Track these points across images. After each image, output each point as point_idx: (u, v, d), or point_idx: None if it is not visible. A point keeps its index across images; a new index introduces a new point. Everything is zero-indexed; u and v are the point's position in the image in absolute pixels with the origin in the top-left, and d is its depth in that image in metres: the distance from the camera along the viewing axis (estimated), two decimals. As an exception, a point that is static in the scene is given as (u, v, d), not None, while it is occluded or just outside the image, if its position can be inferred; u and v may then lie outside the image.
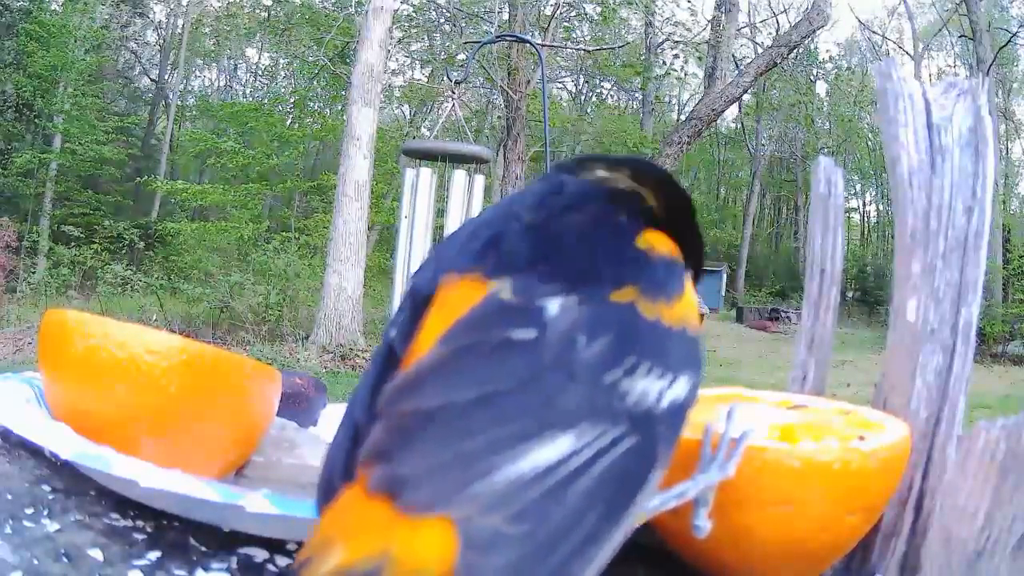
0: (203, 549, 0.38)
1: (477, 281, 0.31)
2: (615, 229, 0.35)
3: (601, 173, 0.38)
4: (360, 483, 0.27)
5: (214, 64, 21.67)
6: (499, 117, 13.10)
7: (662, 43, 13.39)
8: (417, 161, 2.37)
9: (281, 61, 16.22)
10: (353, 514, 0.27)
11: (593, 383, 0.28)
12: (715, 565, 0.42)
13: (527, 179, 11.09)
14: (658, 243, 0.35)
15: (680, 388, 0.31)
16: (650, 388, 0.29)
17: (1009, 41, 15.81)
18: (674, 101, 22.95)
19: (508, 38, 8.26)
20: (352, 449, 0.30)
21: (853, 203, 24.09)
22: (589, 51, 11.03)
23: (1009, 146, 20.83)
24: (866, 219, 25.20)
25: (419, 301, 0.33)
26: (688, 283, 0.35)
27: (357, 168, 7.12)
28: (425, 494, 0.25)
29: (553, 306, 0.29)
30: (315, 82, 13.34)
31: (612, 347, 0.29)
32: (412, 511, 0.25)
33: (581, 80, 16.63)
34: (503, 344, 0.28)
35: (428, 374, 0.28)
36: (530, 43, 3.11)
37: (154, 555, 0.36)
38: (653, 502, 0.33)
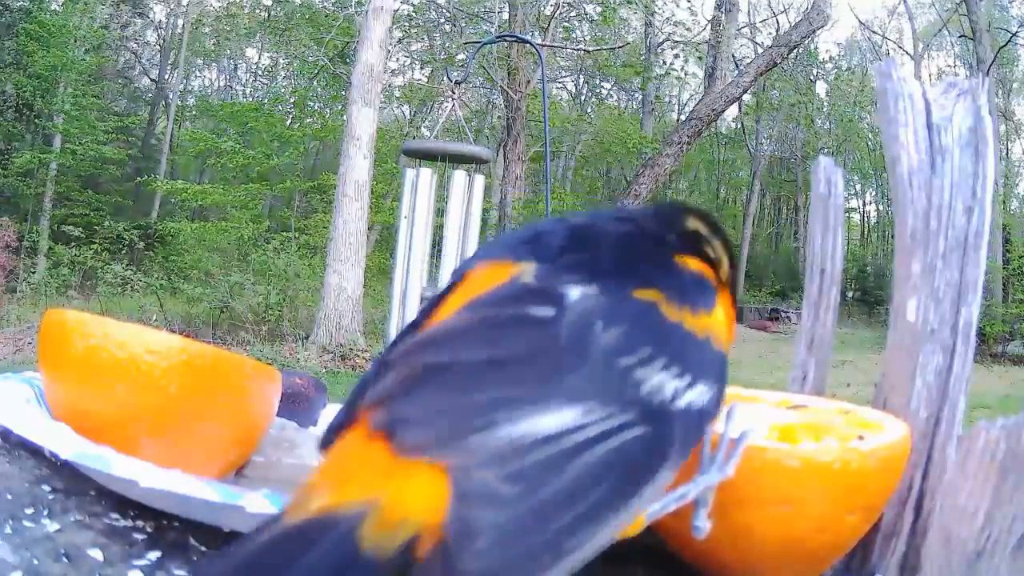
0: (203, 549, 0.38)
1: (505, 265, 0.32)
2: (656, 241, 0.36)
3: (692, 224, 0.38)
4: (361, 424, 0.27)
5: (214, 64, 21.68)
6: (499, 117, 13.11)
7: (662, 43, 13.38)
8: (417, 161, 2.37)
9: (281, 61, 16.22)
10: (348, 456, 0.27)
11: (606, 365, 0.28)
12: (715, 565, 0.42)
13: (527, 179, 11.10)
14: (694, 264, 0.35)
15: (700, 393, 0.30)
16: (666, 383, 0.29)
17: (1009, 41, 15.80)
18: (674, 101, 22.95)
19: (508, 38, 8.26)
20: (357, 400, 0.30)
21: (853, 203, 24.08)
22: (589, 51, 11.03)
23: (1009, 146, 20.83)
24: (866, 219, 25.19)
25: (448, 287, 0.34)
26: (721, 305, 0.35)
27: (357, 168, 7.12)
28: (421, 436, 0.25)
29: (574, 292, 0.29)
30: (315, 82, 13.34)
31: (629, 336, 0.29)
32: (406, 452, 0.25)
33: (581, 80, 16.63)
34: (521, 317, 0.29)
35: (442, 335, 0.29)
36: (530, 43, 3.11)
37: (154, 555, 0.36)
38: (654, 507, 0.33)
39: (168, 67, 19.61)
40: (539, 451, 0.25)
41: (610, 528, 0.26)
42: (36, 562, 0.33)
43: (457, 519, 0.23)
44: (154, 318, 8.27)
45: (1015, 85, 20.80)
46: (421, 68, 13.82)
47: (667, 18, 11.96)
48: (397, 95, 13.69)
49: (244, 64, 21.44)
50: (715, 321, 0.33)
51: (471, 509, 0.23)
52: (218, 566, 0.23)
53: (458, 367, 0.27)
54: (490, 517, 0.23)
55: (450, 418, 0.25)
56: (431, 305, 0.33)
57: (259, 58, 20.08)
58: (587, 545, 0.25)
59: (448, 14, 11.11)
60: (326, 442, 0.30)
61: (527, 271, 0.31)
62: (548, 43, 9.99)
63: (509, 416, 0.25)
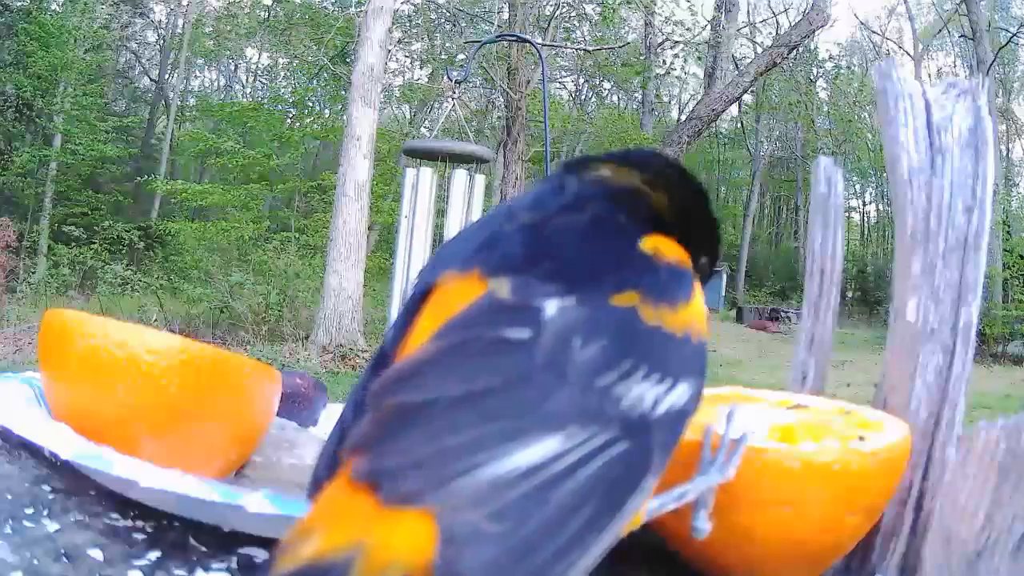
0: (203, 549, 0.38)
1: (474, 279, 0.31)
2: (617, 230, 0.34)
3: (605, 172, 0.37)
4: (344, 473, 0.27)
5: (214, 64, 21.67)
6: (499, 117, 13.10)
7: (662, 43, 13.38)
8: (417, 161, 2.37)
9: (281, 61, 16.22)
10: (334, 504, 0.27)
11: (585, 386, 0.27)
12: (715, 566, 0.42)
13: (527, 179, 11.09)
14: (665, 248, 0.34)
15: (679, 394, 0.30)
16: (646, 393, 0.29)
17: (1009, 41, 15.81)
18: (674, 101, 22.95)
19: (508, 38, 8.25)
20: (340, 445, 0.30)
21: (853, 203, 24.08)
22: (589, 51, 11.03)
23: (1009, 146, 20.83)
24: (866, 219, 25.20)
25: (415, 301, 0.33)
26: (697, 291, 0.34)
27: (357, 168, 7.12)
28: (406, 486, 0.25)
29: (551, 307, 0.29)
30: (315, 82, 13.33)
31: (608, 350, 0.29)
32: (392, 503, 0.25)
33: (581, 80, 16.64)
34: (495, 342, 0.28)
35: (416, 369, 0.28)
36: (530, 43, 3.11)
37: (154, 555, 0.36)
38: (652, 504, 0.33)
39: (168, 67, 19.61)
40: (522, 485, 0.25)
41: (596, 548, 0.26)
42: (36, 562, 0.33)
43: (444, 560, 0.23)
44: (154, 318, 8.27)
45: (1015, 85, 20.81)
46: (421, 68, 13.83)
47: (667, 18, 11.96)
48: (397, 95, 13.69)
49: (244, 64, 21.44)
50: (693, 312, 0.33)
51: (457, 549, 0.23)
52: None
53: (435, 407, 0.26)
54: (477, 555, 0.23)
55: (431, 466, 0.25)
56: (401, 326, 0.32)
57: (259, 58, 20.08)
58: (578, 567, 0.25)
59: (448, 14, 11.11)
60: (312, 491, 0.30)
61: (500, 287, 0.30)
62: (548, 43, 9.99)
63: (491, 455, 0.25)
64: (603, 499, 0.26)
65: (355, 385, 0.33)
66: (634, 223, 0.35)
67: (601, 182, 0.37)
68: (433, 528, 0.24)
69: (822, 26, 9.15)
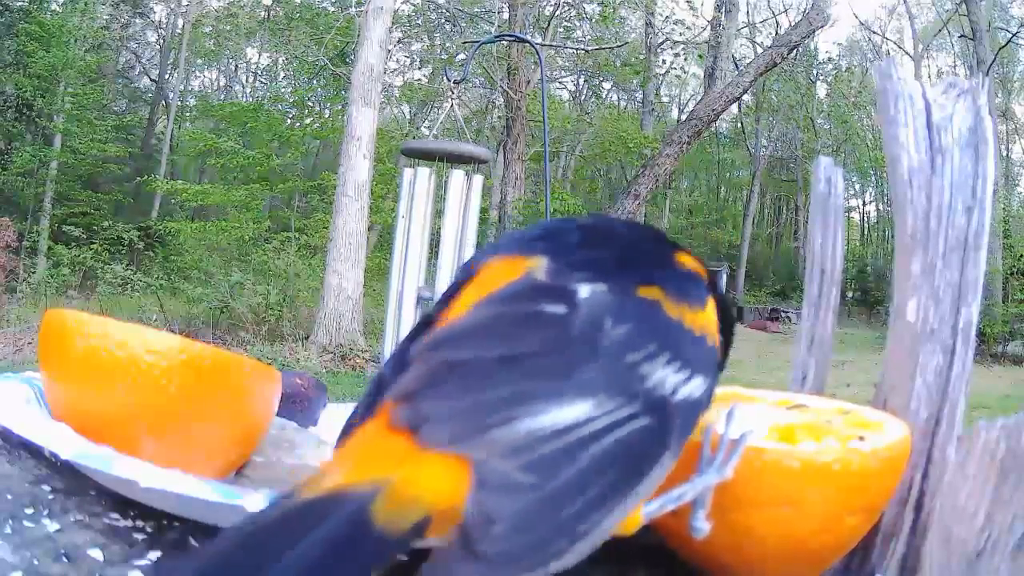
0: (203, 549, 0.38)
1: (516, 261, 0.33)
2: (657, 244, 0.38)
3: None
4: (382, 418, 0.28)
5: (214, 64, 21.66)
6: (499, 117, 13.10)
7: (662, 43, 13.38)
8: (415, 161, 2.37)
9: (281, 61, 16.22)
10: (366, 444, 0.28)
11: (615, 360, 0.29)
12: (715, 565, 0.42)
13: (527, 179, 11.09)
14: (690, 262, 0.37)
15: (695, 387, 0.32)
16: (667, 377, 0.31)
17: (1009, 41, 15.80)
18: (674, 101, 22.95)
19: (508, 38, 8.25)
20: (376, 395, 0.31)
21: (853, 203, 24.09)
22: (589, 51, 11.03)
23: (1009, 146, 20.83)
24: (866, 219, 25.20)
25: (461, 278, 0.35)
26: (710, 304, 0.36)
27: (357, 168, 7.12)
28: (445, 431, 0.26)
29: (584, 290, 0.31)
30: (315, 82, 13.33)
31: (635, 332, 0.30)
32: (430, 445, 0.26)
33: (581, 80, 16.63)
34: (535, 314, 0.30)
35: (462, 332, 0.30)
36: (530, 43, 3.11)
37: (154, 555, 0.36)
38: (652, 506, 0.33)
39: (168, 67, 19.60)
40: (554, 442, 0.26)
41: (618, 512, 0.27)
42: (36, 562, 0.33)
43: (477, 505, 0.24)
44: (154, 318, 8.27)
45: (1016, 85, 20.81)
46: (421, 68, 13.83)
47: (667, 18, 11.96)
48: (396, 95, 13.69)
49: (244, 64, 21.44)
50: (707, 317, 0.35)
51: (491, 497, 0.25)
52: (230, 537, 0.23)
53: (477, 363, 0.28)
54: (508, 504, 0.25)
55: (472, 414, 0.27)
56: (445, 299, 0.34)
57: (259, 58, 20.08)
58: (597, 529, 0.26)
59: (448, 14, 11.11)
60: (345, 432, 0.32)
61: (539, 268, 0.32)
62: (548, 43, 9.99)
63: (528, 410, 0.27)
64: (626, 466, 0.28)
65: (397, 347, 0.35)
66: (674, 248, 0.38)
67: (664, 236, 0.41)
68: (466, 473, 0.25)
69: (822, 26, 9.14)
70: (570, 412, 0.27)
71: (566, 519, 0.25)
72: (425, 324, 0.34)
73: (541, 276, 0.32)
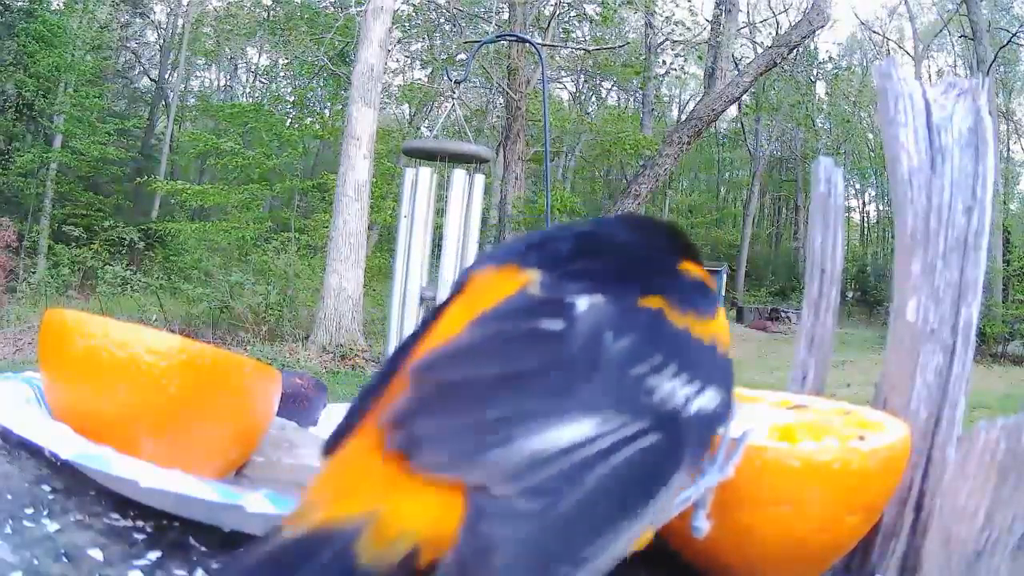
0: (203, 549, 0.38)
1: (510, 272, 0.32)
2: (658, 249, 0.36)
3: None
4: (370, 440, 0.27)
5: (214, 64, 21.66)
6: (499, 117, 13.10)
7: (662, 43, 13.38)
8: (416, 160, 2.37)
9: (281, 61, 16.21)
10: (352, 468, 0.27)
11: (619, 374, 0.28)
12: (716, 565, 0.42)
13: (527, 179, 11.09)
14: (695, 270, 0.36)
15: (709, 399, 0.31)
16: (677, 390, 0.29)
17: (1009, 41, 15.80)
18: (674, 101, 22.94)
19: (508, 38, 8.25)
20: (360, 409, 0.30)
21: (853, 203, 24.09)
22: (589, 51, 11.03)
23: (1009, 146, 20.82)
24: (866, 219, 25.20)
25: (454, 290, 0.34)
26: (721, 313, 0.35)
27: (357, 168, 7.12)
28: (441, 454, 0.25)
29: (582, 303, 0.30)
30: (315, 82, 13.33)
31: (639, 344, 0.29)
32: (423, 470, 0.25)
33: (581, 80, 16.62)
34: (532, 332, 0.29)
35: (455, 352, 0.29)
36: (530, 43, 3.11)
37: (154, 555, 0.36)
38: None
39: (168, 67, 19.60)
40: (556, 463, 0.25)
41: (628, 535, 0.26)
42: (36, 562, 0.33)
43: (473, 534, 0.23)
44: (154, 318, 8.27)
45: (1017, 84, 20.81)
46: (421, 68, 13.83)
47: (667, 18, 11.96)
48: (396, 95, 13.69)
49: (244, 64, 21.43)
50: (718, 326, 0.34)
51: (488, 524, 0.23)
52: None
53: (472, 384, 0.27)
54: (508, 532, 0.23)
55: (468, 435, 0.25)
56: (434, 312, 0.33)
57: (259, 58, 20.07)
58: (605, 554, 0.25)
59: (448, 14, 11.11)
60: (329, 448, 0.30)
61: (534, 281, 0.31)
62: (548, 43, 9.99)
63: (526, 430, 0.25)
64: (636, 486, 0.26)
65: (381, 367, 0.33)
66: (676, 251, 0.37)
67: (665, 230, 0.39)
68: (459, 501, 0.24)
69: (822, 26, 9.14)
70: (573, 430, 0.26)
71: (572, 546, 0.24)
72: (413, 338, 0.32)
73: (536, 290, 0.31)
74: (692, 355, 0.31)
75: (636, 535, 0.27)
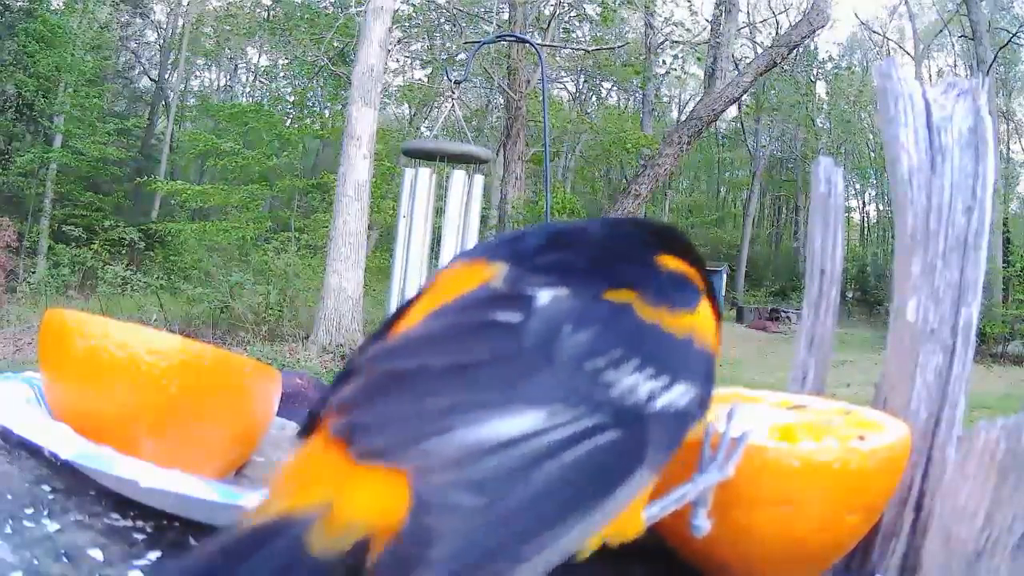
0: (203, 549, 0.38)
1: (477, 266, 0.32)
2: (635, 243, 0.36)
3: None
4: (323, 431, 0.27)
5: (214, 64, 21.66)
6: (499, 117, 13.10)
7: (662, 43, 13.38)
8: (416, 161, 2.37)
9: (281, 61, 16.22)
10: (309, 460, 0.27)
11: (572, 367, 0.27)
12: (715, 564, 0.42)
13: (527, 179, 11.09)
14: (673, 263, 0.35)
15: (679, 393, 0.30)
16: (640, 385, 0.28)
17: (1009, 41, 15.81)
18: (674, 101, 22.95)
19: (508, 38, 8.25)
20: (333, 394, 0.30)
21: (853, 203, 24.08)
22: (589, 51, 11.03)
23: (1009, 146, 20.82)
24: (866, 219, 25.20)
25: (423, 286, 0.34)
26: (704, 305, 0.34)
27: (357, 168, 7.12)
28: (378, 441, 0.25)
29: (544, 296, 0.29)
30: (315, 82, 13.33)
31: (598, 338, 0.28)
32: (363, 457, 0.25)
33: (581, 80, 16.63)
34: (486, 323, 0.29)
35: (408, 342, 0.29)
36: (530, 43, 3.11)
37: (154, 555, 0.36)
38: (653, 509, 0.33)
39: (168, 67, 19.60)
40: (499, 456, 0.24)
41: (580, 532, 0.25)
42: (36, 562, 0.33)
43: (414, 524, 0.23)
44: (154, 318, 8.27)
45: (1018, 84, 20.82)
46: (421, 68, 13.83)
47: (667, 18, 11.96)
48: (396, 95, 13.69)
49: (244, 64, 21.44)
50: (698, 320, 0.33)
51: (429, 515, 0.23)
52: (176, 566, 0.24)
53: (420, 374, 0.27)
54: (449, 523, 0.23)
55: (407, 423, 0.25)
56: (400, 309, 0.33)
57: (259, 58, 20.07)
58: (550, 551, 0.24)
59: (448, 14, 11.11)
60: (302, 435, 0.31)
61: (498, 275, 0.31)
62: (548, 43, 9.99)
63: (466, 420, 0.25)
64: (590, 484, 0.26)
65: (347, 361, 0.33)
66: (656, 245, 0.36)
67: (653, 229, 0.38)
68: (407, 490, 0.24)
69: (822, 26, 9.13)
70: (516, 423, 0.25)
71: (512, 542, 0.23)
72: (379, 333, 0.32)
73: (498, 284, 0.30)
74: (660, 349, 0.30)
75: (589, 533, 0.26)
